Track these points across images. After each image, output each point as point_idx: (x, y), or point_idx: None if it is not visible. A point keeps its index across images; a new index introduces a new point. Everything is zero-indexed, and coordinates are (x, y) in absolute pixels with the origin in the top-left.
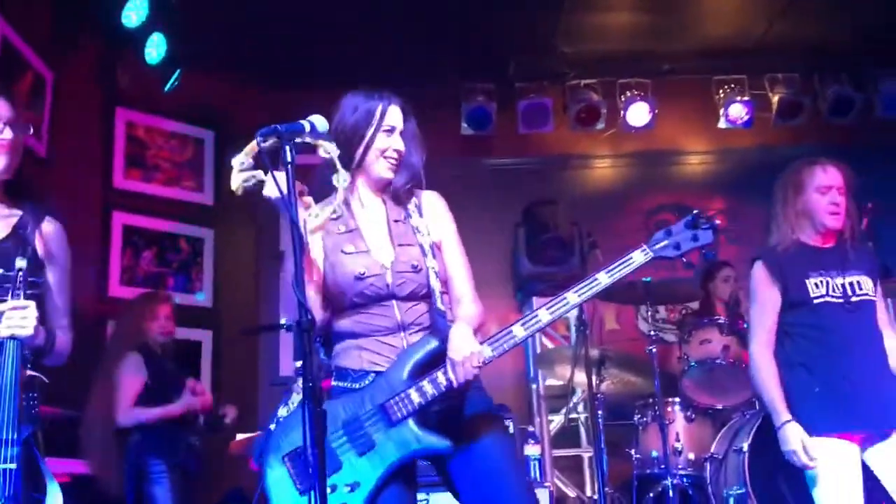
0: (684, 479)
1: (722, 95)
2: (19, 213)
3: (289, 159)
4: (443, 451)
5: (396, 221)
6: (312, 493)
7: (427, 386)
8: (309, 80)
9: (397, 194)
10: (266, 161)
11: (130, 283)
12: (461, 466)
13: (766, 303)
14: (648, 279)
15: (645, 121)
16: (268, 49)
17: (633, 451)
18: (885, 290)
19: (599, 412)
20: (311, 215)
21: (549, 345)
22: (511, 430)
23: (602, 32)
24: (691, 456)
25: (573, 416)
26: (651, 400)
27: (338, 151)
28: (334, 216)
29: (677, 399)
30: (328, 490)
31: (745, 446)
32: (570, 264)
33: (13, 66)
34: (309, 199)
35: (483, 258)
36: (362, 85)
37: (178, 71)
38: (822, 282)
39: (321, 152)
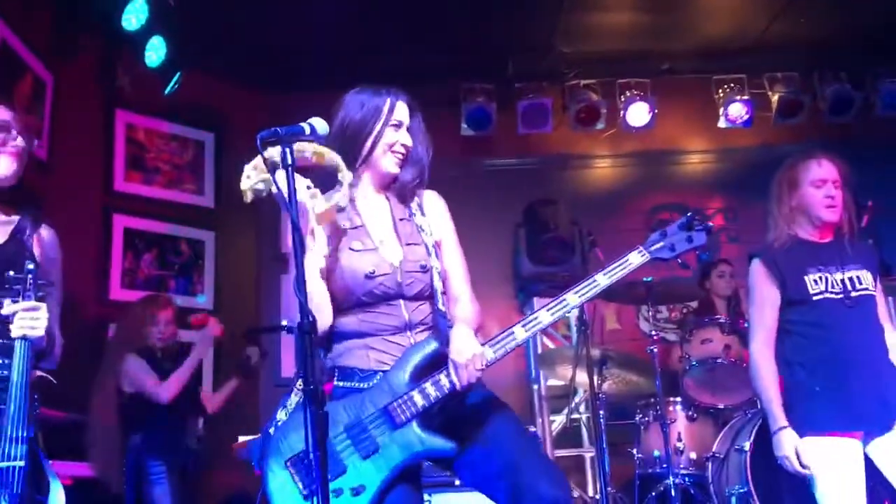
0: (686, 479)
1: (722, 95)
2: (16, 218)
3: (289, 161)
4: (447, 454)
5: (402, 220)
6: (317, 496)
7: (430, 388)
8: (308, 82)
9: (403, 191)
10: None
11: (131, 286)
12: (471, 458)
13: (765, 301)
14: (649, 279)
15: (645, 120)
16: (267, 51)
17: (634, 451)
18: (885, 288)
19: (601, 412)
20: (319, 200)
21: (551, 345)
22: None
23: (601, 32)
24: (693, 455)
25: (575, 416)
26: (652, 399)
27: (339, 158)
28: (342, 205)
29: (679, 398)
30: (333, 494)
31: (747, 445)
32: (570, 264)
33: (13, 69)
34: (315, 190)
35: (483, 258)
36: (362, 86)
37: (178, 73)
38: (820, 278)
39: (326, 162)
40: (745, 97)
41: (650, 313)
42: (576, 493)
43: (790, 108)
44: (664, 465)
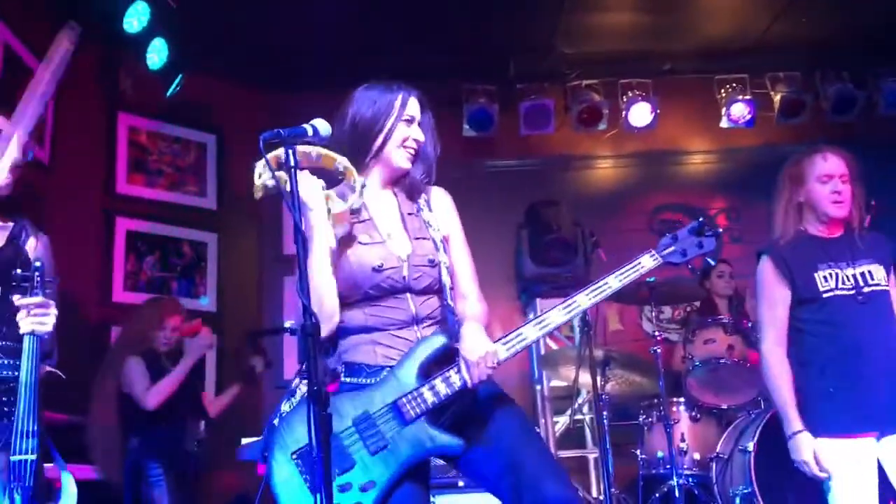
0: (690, 479)
1: (724, 95)
2: (10, 224)
3: (292, 163)
4: (456, 451)
5: (409, 214)
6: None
7: (440, 385)
8: (311, 82)
9: (412, 187)
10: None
11: (134, 288)
12: (477, 455)
13: (775, 299)
14: (652, 279)
15: (647, 121)
16: (269, 52)
17: (638, 452)
18: None
19: (604, 413)
20: (334, 202)
21: (554, 346)
22: None
23: (603, 32)
24: (697, 456)
25: (578, 417)
26: (656, 400)
27: (348, 161)
28: (356, 206)
29: (682, 399)
30: (341, 489)
31: (751, 446)
32: (573, 265)
33: (15, 71)
34: (329, 192)
35: (486, 260)
36: (372, 82)
37: (180, 76)
38: (831, 274)
39: (333, 166)
40: (748, 97)
41: (653, 314)
42: (580, 495)
43: (792, 108)
44: (668, 466)
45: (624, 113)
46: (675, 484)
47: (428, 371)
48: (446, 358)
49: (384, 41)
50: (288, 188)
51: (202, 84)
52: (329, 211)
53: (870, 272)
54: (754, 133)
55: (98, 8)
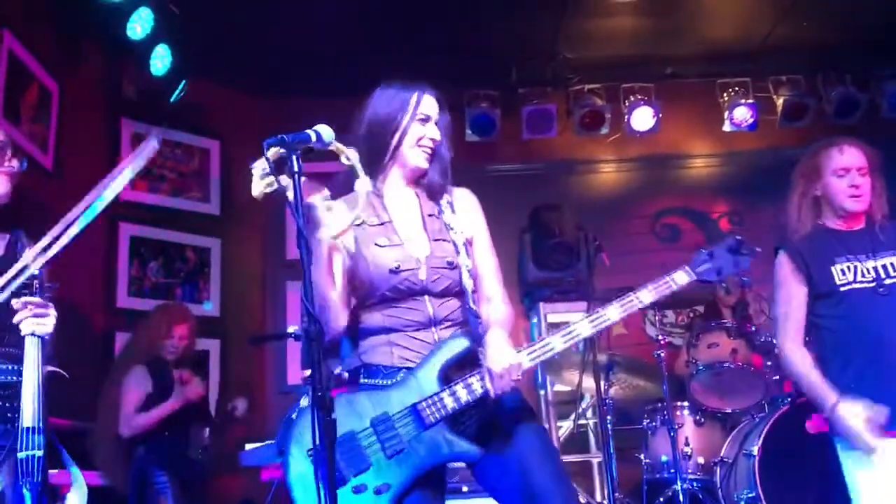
0: (694, 484)
1: (726, 98)
2: (7, 235)
3: (295, 169)
4: (472, 458)
5: (430, 216)
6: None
7: (461, 391)
8: (313, 88)
9: (432, 188)
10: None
11: (138, 293)
12: (492, 466)
13: (792, 294)
14: None
15: (649, 125)
16: (272, 58)
17: (642, 456)
18: None
19: (608, 417)
20: (337, 214)
21: None
22: None
23: (605, 37)
24: (701, 460)
25: (582, 421)
26: (660, 404)
27: (357, 157)
28: (358, 222)
29: (686, 403)
30: (355, 490)
31: (756, 450)
32: (576, 269)
33: (20, 78)
34: (333, 203)
35: None
36: (367, 92)
37: (183, 81)
38: (849, 267)
39: (343, 159)
40: (750, 100)
41: (657, 318)
42: (583, 499)
43: (795, 111)
44: (672, 471)
45: (626, 117)
46: (680, 488)
47: (448, 375)
48: (468, 361)
49: (386, 47)
50: (290, 195)
51: (205, 90)
52: (328, 226)
53: (892, 264)
54: (757, 137)
55: (102, 14)
